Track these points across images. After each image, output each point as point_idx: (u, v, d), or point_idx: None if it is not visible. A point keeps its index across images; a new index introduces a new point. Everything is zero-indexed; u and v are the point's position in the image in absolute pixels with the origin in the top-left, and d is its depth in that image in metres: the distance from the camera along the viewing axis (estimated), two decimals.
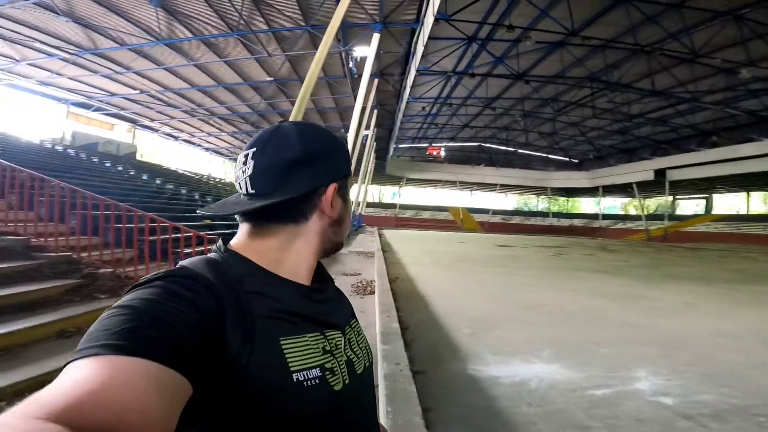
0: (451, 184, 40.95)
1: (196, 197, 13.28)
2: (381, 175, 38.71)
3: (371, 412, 0.66)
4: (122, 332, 0.41)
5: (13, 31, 12.78)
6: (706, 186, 33.55)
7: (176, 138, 31.54)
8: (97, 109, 22.76)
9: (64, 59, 15.01)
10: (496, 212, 42.99)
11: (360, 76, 12.84)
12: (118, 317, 0.43)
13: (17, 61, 15.27)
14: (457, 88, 20.28)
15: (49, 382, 0.36)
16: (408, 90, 16.84)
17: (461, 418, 2.59)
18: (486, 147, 36.76)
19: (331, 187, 0.63)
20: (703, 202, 38.72)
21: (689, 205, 40.44)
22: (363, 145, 22.09)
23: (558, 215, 45.77)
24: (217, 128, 28.18)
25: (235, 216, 0.62)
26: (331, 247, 0.67)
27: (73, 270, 4.97)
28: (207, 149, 36.05)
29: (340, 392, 0.56)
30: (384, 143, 31.99)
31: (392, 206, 42.96)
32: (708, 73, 17.24)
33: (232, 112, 23.67)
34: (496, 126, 29.30)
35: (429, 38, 11.88)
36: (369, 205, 39.77)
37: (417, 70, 14.29)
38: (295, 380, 0.52)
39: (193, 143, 33.57)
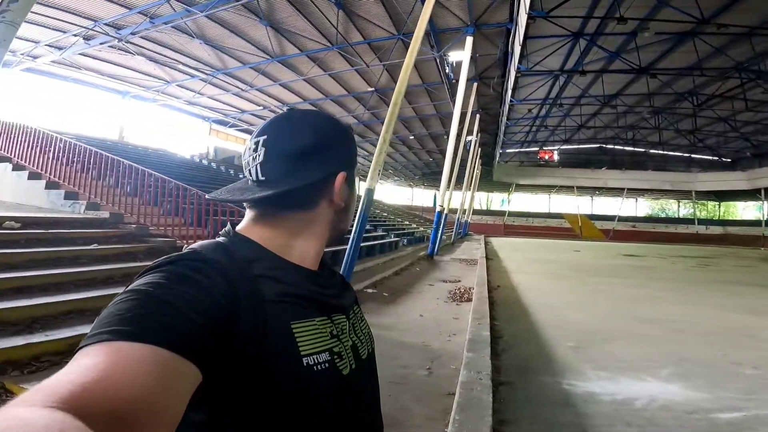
0: (567, 189, 37.62)
1: None
2: (488, 182, 37.45)
3: (375, 398, 0.66)
4: (132, 318, 0.40)
5: (161, 54, 15.36)
6: None
7: None
8: (232, 126, 25.99)
9: (202, 80, 17.60)
10: (623, 219, 38.27)
11: (457, 81, 12.68)
12: (128, 302, 0.42)
13: (168, 82, 18.31)
14: (567, 88, 18.67)
15: None
16: (510, 92, 16.04)
17: None
18: (608, 148, 33.05)
19: (341, 176, 0.63)
20: None
21: None
22: (466, 151, 21.65)
23: (706, 222, 38.85)
24: None
25: (244, 203, 0.63)
26: (336, 235, 0.66)
27: None
28: None
29: (347, 377, 0.56)
30: (489, 149, 30.84)
31: (501, 213, 41.24)
32: None
33: None
34: (619, 125, 26.20)
35: (528, 37, 11.19)
36: (476, 212, 38.81)
37: (518, 71, 13.56)
38: (305, 364, 0.51)
39: None
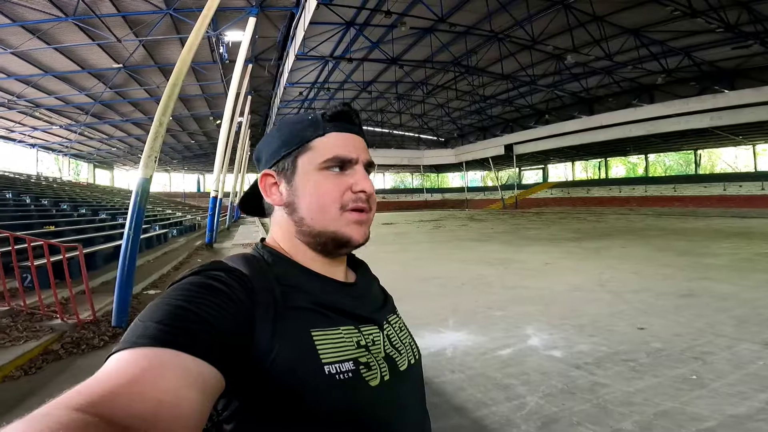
0: None
1: (28, 201, 11.17)
2: None
3: (415, 410, 0.62)
4: (159, 325, 0.42)
5: None
6: (542, 158, 39.94)
7: None
8: None
9: None
10: (376, 192, 44.66)
11: (232, 61, 12.01)
12: (156, 311, 0.44)
13: None
14: (334, 73, 20.25)
15: None
16: (286, 75, 16.28)
17: None
18: (363, 129, 37.65)
19: (263, 174, 0.65)
20: (541, 171, 45.92)
21: (531, 175, 47.48)
22: (237, 134, 20.87)
23: (431, 190, 49.80)
24: (46, 121, 23.60)
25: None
26: (318, 241, 0.62)
27: None
28: (33, 145, 29.94)
29: (376, 388, 0.55)
30: (260, 130, 30.48)
31: None
32: (542, 58, 20.07)
33: (66, 102, 20.16)
34: (372, 109, 30.20)
35: (309, 23, 11.59)
36: None
37: (296, 55, 13.90)
38: (326, 372, 0.51)
39: (12, 139, 27.47)
